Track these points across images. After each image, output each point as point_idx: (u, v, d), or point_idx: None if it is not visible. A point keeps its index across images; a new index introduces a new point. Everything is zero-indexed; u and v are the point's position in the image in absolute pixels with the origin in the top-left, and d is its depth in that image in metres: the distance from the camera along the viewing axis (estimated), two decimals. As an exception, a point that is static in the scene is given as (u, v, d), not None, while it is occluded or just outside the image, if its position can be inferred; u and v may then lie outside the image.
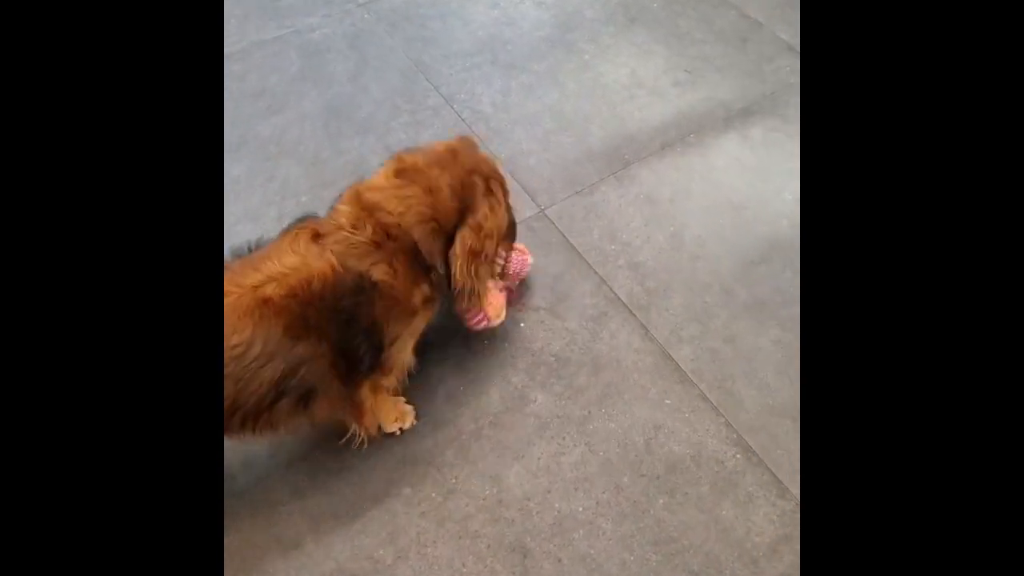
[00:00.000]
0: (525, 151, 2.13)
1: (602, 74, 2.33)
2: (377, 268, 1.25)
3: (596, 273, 1.86)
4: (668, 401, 1.64)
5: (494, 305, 1.64)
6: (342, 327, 1.23)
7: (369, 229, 1.26)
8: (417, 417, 1.61)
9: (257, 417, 1.23)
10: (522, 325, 1.77)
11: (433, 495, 1.51)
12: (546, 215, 1.98)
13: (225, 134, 2.14)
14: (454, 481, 1.53)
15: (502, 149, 2.12)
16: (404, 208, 1.28)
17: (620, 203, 2.01)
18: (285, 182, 2.07)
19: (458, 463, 1.55)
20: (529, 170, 2.08)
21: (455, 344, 1.73)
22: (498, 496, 1.51)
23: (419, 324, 1.43)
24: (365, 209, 1.28)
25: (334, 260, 1.22)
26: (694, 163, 2.09)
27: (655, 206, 2.00)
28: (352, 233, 1.25)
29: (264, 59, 2.38)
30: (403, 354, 1.42)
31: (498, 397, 1.65)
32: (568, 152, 2.13)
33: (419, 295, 1.34)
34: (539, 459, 1.56)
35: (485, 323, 1.63)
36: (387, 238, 1.27)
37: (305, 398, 1.27)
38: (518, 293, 1.78)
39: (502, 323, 1.69)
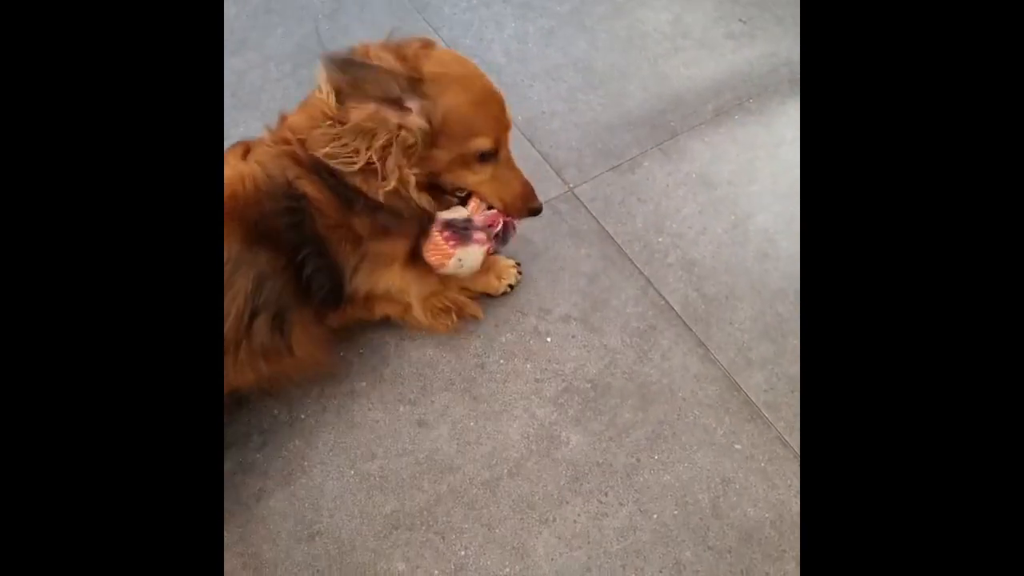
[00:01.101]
0: (547, 112, 1.71)
1: (640, 20, 1.91)
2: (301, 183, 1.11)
3: (641, 273, 1.47)
4: (738, 446, 1.28)
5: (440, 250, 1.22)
6: (290, 232, 1.10)
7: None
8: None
9: (238, 345, 1.10)
10: (548, 340, 1.38)
11: (435, 573, 1.14)
12: (575, 195, 1.58)
13: (167, 78, 1.69)
14: (463, 553, 1.16)
15: (519, 109, 1.71)
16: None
17: (668, 183, 1.61)
18: (244, 142, 1.64)
19: (468, 527, 1.18)
20: (552, 136, 1.68)
21: (463, 364, 1.35)
22: (523, 574, 1.14)
23: (385, 250, 1.21)
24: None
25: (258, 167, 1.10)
26: (757, 135, 1.70)
27: (711, 188, 1.61)
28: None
29: (219, -15, 1.90)
30: (380, 282, 1.24)
31: (519, 437, 1.28)
32: (600, 116, 1.72)
33: (360, 223, 1.16)
34: (575, 523, 1.19)
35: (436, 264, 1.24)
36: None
37: (279, 320, 1.13)
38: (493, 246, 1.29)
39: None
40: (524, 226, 1.53)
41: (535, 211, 1.25)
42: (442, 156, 1.12)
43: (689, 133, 1.70)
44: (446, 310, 1.33)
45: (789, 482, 1.24)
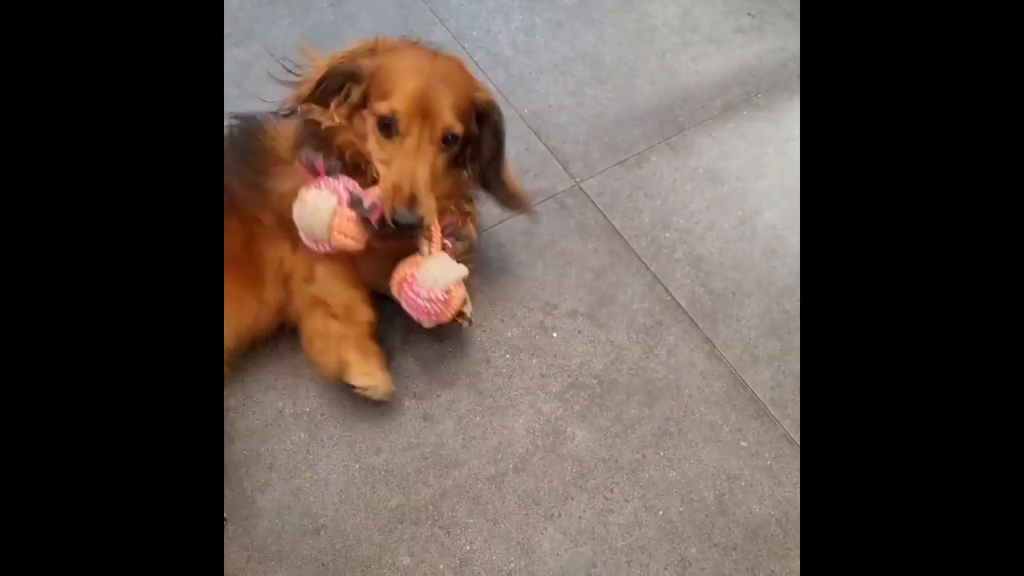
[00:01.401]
0: (554, 106, 1.71)
1: (648, 14, 1.90)
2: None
3: (648, 268, 1.47)
4: (744, 443, 1.28)
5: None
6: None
7: None
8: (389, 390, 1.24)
9: None
10: (554, 334, 1.38)
11: (440, 567, 1.14)
12: (582, 189, 1.58)
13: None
14: (468, 548, 1.16)
15: (526, 102, 1.70)
16: None
17: (675, 178, 1.61)
18: (248, 133, 1.63)
19: (473, 522, 1.18)
20: (559, 130, 1.67)
21: (469, 359, 1.34)
22: (528, 569, 1.15)
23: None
24: None
25: None
26: (765, 131, 1.69)
27: (718, 184, 1.60)
28: None
29: (224, -27, 1.89)
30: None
31: (525, 431, 1.28)
32: (608, 110, 1.71)
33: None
34: (580, 519, 1.20)
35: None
36: None
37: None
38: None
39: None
40: (531, 219, 1.52)
41: (397, 220, 1.10)
42: (367, 120, 1.15)
43: (696, 128, 1.69)
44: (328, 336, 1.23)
45: (795, 480, 1.24)
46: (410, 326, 1.37)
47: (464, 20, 1.86)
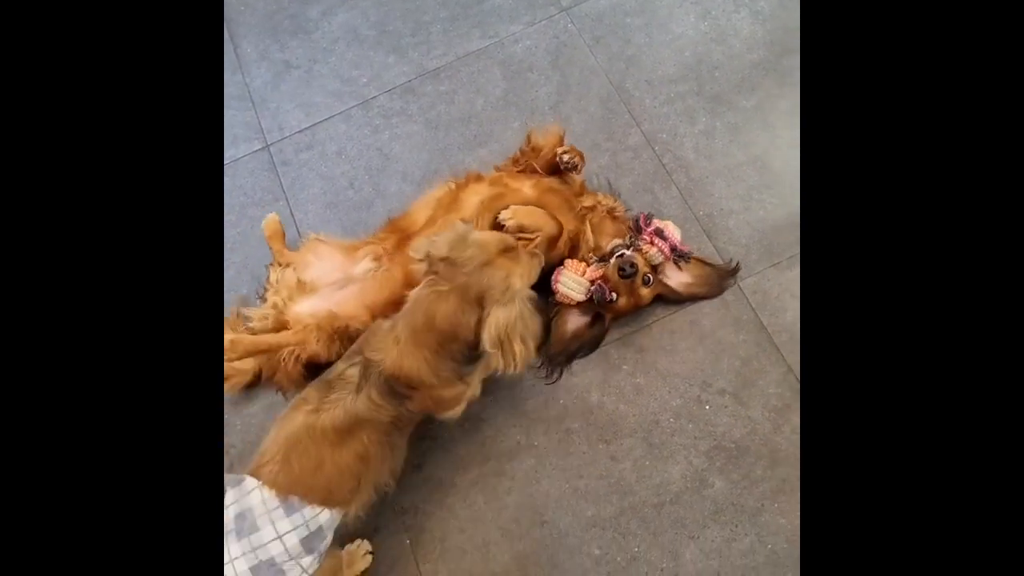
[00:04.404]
0: (725, 210, 2.23)
1: (817, 117, 2.30)
2: None
3: (784, 361, 2.03)
4: (839, 505, 1.86)
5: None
6: None
7: None
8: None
9: None
10: (707, 407, 2.01)
11: (618, 559, 1.89)
12: (740, 288, 2.13)
13: (436, 166, 2.40)
14: (636, 549, 1.89)
15: (700, 205, 2.24)
16: None
17: (818, 282, 2.10)
18: (491, 223, 2.33)
19: (640, 533, 1.91)
20: (727, 233, 2.20)
21: (644, 418, 2.02)
22: (674, 570, 1.86)
23: None
24: None
25: None
26: (905, 241, 2.11)
27: (855, 290, 2.07)
28: None
29: (470, 77, 2.54)
30: None
31: (679, 476, 1.95)
32: (770, 215, 2.21)
33: None
34: (712, 542, 1.87)
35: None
36: None
37: None
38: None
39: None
40: (697, 312, 2.11)
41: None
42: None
43: (844, 235, 2.14)
44: None
45: (873, 538, 1.82)
46: (602, 389, 2.06)
47: (656, 122, 2.38)
